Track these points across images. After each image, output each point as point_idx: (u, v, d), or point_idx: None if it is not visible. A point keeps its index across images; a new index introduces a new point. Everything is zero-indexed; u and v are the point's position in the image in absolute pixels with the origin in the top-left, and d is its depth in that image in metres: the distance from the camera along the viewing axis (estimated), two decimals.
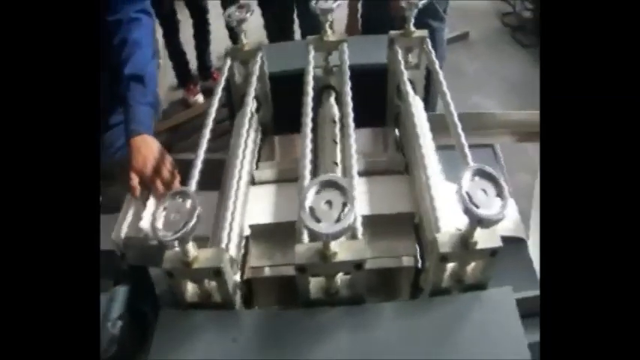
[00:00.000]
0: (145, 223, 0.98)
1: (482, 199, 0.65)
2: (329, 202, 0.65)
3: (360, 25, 2.33)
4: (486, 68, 3.46)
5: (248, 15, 1.17)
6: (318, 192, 0.66)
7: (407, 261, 0.86)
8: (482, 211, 0.63)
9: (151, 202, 1.05)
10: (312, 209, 0.64)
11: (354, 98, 1.00)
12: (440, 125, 0.97)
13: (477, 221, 0.64)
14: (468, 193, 0.65)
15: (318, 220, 0.63)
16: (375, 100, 1.26)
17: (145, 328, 0.91)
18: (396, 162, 1.01)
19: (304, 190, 0.66)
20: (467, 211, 0.64)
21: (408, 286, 0.86)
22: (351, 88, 1.02)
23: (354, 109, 0.98)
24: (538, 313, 0.88)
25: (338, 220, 0.63)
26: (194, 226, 0.66)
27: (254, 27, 2.73)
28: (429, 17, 2.05)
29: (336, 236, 0.63)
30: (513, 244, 0.98)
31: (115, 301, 0.89)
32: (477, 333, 0.67)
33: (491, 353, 0.65)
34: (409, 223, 0.88)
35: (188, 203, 0.68)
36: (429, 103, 1.27)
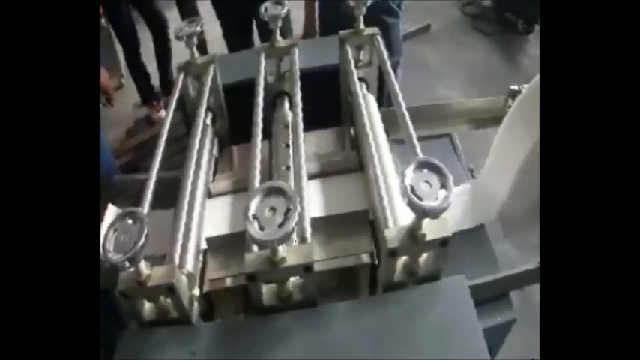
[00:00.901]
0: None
1: (425, 191, 0.65)
2: (273, 209, 0.65)
3: (318, 27, 2.34)
4: (449, 59, 3.50)
5: (198, 29, 1.16)
6: (262, 200, 0.66)
7: (365, 258, 0.86)
8: (426, 203, 0.64)
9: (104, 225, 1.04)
10: (255, 217, 0.64)
11: (310, 101, 1.00)
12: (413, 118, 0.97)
13: (422, 213, 0.65)
14: (411, 186, 0.65)
15: (262, 228, 0.63)
16: (332, 101, 1.26)
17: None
18: (351, 161, 1.01)
19: (248, 199, 0.66)
20: (410, 204, 0.64)
21: (367, 284, 0.86)
22: (308, 91, 1.03)
23: (311, 112, 0.99)
24: (499, 295, 0.90)
25: (281, 225, 0.63)
26: (143, 245, 0.66)
27: (215, 38, 2.74)
28: (383, 14, 2.06)
29: (280, 241, 0.63)
30: (471, 230, 0.98)
31: None
32: (430, 323, 0.67)
33: (445, 342, 0.66)
34: (365, 221, 0.89)
35: (137, 223, 0.68)
36: (383, 99, 1.27)
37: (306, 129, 1.23)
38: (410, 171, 0.66)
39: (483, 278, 0.85)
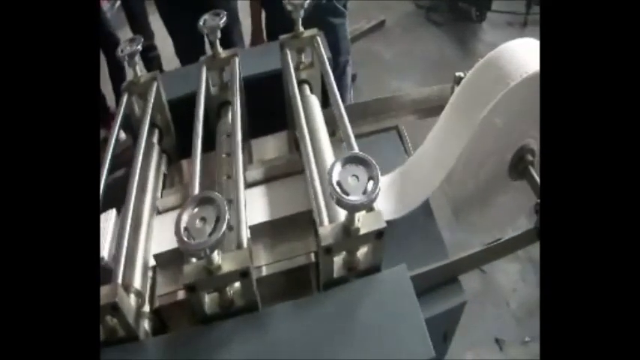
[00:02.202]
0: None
1: (352, 185, 0.66)
2: (204, 219, 0.66)
3: (265, 34, 2.35)
4: (404, 52, 3.53)
5: (139, 47, 1.16)
6: (193, 211, 0.67)
7: (314, 258, 0.87)
8: (352, 198, 0.65)
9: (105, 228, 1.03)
10: (186, 229, 0.65)
11: (256, 107, 1.00)
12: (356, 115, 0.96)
13: (351, 208, 0.66)
14: (338, 183, 0.66)
15: (193, 238, 0.64)
16: (278, 106, 1.27)
17: None
18: (294, 163, 1.02)
19: (179, 212, 0.67)
20: (338, 202, 0.65)
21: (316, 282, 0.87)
22: (256, 98, 1.03)
23: (258, 118, 0.99)
24: (450, 279, 0.91)
25: (211, 233, 0.63)
26: None
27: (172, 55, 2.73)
28: (329, 15, 2.08)
29: (212, 249, 0.64)
30: (418, 218, 1.00)
31: None
32: (371, 316, 0.68)
33: (387, 333, 0.67)
34: (308, 221, 0.89)
35: None
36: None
37: (255, 135, 1.25)
38: (337, 168, 0.67)
39: (429, 266, 0.86)
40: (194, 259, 0.71)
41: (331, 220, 0.77)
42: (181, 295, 0.85)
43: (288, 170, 1.01)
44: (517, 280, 2.29)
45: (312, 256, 0.87)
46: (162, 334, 0.81)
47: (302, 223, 0.90)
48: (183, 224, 0.66)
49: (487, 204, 1.09)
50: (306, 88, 1.22)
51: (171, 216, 0.98)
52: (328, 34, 1.22)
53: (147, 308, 0.81)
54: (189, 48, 2.62)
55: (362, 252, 0.74)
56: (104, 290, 0.70)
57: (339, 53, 2.14)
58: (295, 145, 1.15)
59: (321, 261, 0.71)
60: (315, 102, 1.15)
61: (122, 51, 1.16)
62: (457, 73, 1.25)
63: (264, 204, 0.93)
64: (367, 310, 0.69)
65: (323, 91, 1.22)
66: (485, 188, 1.05)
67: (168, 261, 0.88)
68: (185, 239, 0.64)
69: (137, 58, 1.18)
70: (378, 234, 0.70)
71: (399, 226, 0.92)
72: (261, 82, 1.22)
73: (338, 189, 0.65)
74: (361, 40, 3.62)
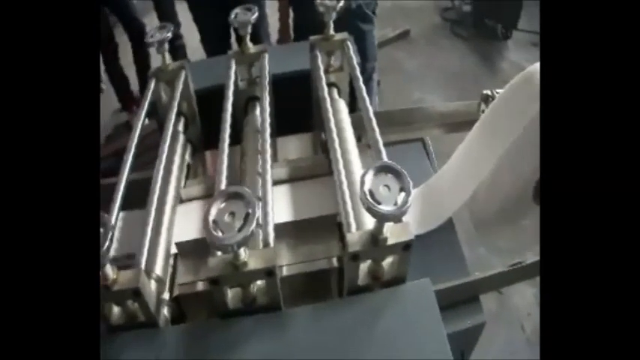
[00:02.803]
0: None
1: (384, 195, 0.66)
2: (233, 214, 0.66)
3: (292, 32, 2.36)
4: (427, 63, 3.53)
5: (169, 35, 1.17)
6: (223, 205, 0.67)
7: (335, 262, 0.87)
8: (384, 208, 0.64)
9: None
10: (215, 222, 0.65)
11: (282, 106, 1.00)
12: (381, 123, 0.97)
13: (381, 217, 0.66)
14: (370, 191, 0.66)
15: (222, 232, 0.64)
16: (305, 106, 1.27)
17: None
18: (321, 165, 1.02)
19: (209, 204, 0.67)
20: (369, 209, 0.65)
21: (337, 287, 0.87)
22: (281, 96, 1.03)
23: (283, 117, 0.99)
24: (470, 298, 0.91)
25: (240, 229, 0.63)
26: (108, 249, 0.66)
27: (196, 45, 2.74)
28: (358, 20, 2.09)
29: (240, 245, 0.64)
30: (441, 232, 1.00)
31: None
32: (394, 326, 0.68)
33: (408, 345, 0.67)
34: (333, 225, 0.89)
35: (103, 227, 0.68)
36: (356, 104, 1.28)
37: (280, 134, 1.25)
38: (369, 176, 0.67)
39: (452, 282, 0.85)
40: (219, 253, 0.71)
41: (358, 226, 0.77)
42: (201, 286, 0.85)
43: (314, 172, 1.01)
44: (533, 304, 2.26)
45: (334, 260, 0.86)
46: (179, 322, 0.81)
47: (325, 226, 0.89)
48: (211, 217, 0.66)
49: (510, 225, 1.09)
50: (334, 91, 1.22)
51: (194, 206, 0.99)
52: (356, 40, 1.22)
53: (166, 295, 0.81)
54: (216, 40, 2.64)
55: (387, 262, 0.74)
56: (127, 275, 0.71)
57: (366, 59, 2.15)
58: (321, 147, 1.15)
59: (347, 267, 0.71)
60: (343, 106, 1.15)
61: (152, 37, 1.16)
62: (484, 91, 1.25)
63: (288, 203, 0.93)
64: (390, 320, 0.69)
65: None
66: (509, 209, 1.04)
67: (190, 250, 0.89)
68: (214, 232, 0.64)
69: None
70: (406, 246, 0.70)
71: (420, 239, 0.91)
72: (287, 80, 1.22)
73: (369, 197, 0.65)
74: (385, 48, 3.62)
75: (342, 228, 0.85)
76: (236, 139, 1.10)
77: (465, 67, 3.43)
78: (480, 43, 3.72)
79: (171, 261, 0.89)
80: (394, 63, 3.36)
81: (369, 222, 0.79)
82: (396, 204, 0.65)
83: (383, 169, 0.68)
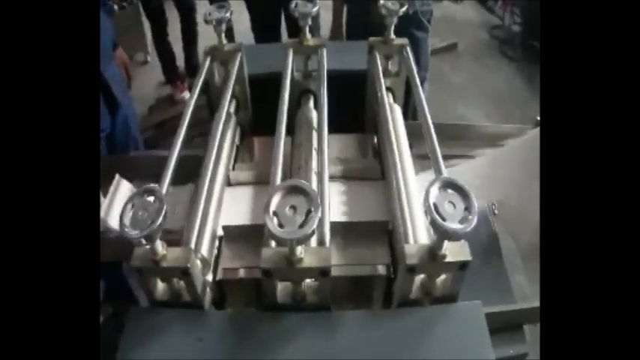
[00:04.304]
0: (112, 220, 0.96)
1: (449, 212, 0.64)
2: (293, 208, 0.65)
3: (345, 30, 2.34)
4: (472, 79, 3.49)
5: (227, 15, 1.16)
6: (284, 197, 0.66)
7: (381, 270, 0.85)
8: (449, 225, 0.63)
9: (120, 198, 1.03)
10: (276, 214, 0.64)
11: (333, 103, 0.99)
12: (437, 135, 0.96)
13: (445, 234, 0.64)
14: (434, 205, 0.64)
15: (281, 225, 0.63)
16: (355, 106, 1.26)
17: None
18: (373, 169, 1.01)
19: (270, 194, 0.66)
20: (433, 224, 0.63)
21: (381, 295, 0.85)
22: (331, 93, 1.02)
23: (334, 115, 0.98)
24: (513, 326, 0.89)
25: (302, 225, 0.62)
26: (161, 225, 0.66)
27: (245, 29, 2.74)
28: (413, 27, 2.06)
29: (300, 242, 0.63)
30: (489, 256, 0.98)
31: None
32: (442, 346, 0.67)
33: None
34: (384, 231, 0.88)
35: (157, 202, 0.68)
36: (408, 111, 1.27)
37: (328, 131, 1.24)
38: (434, 189, 0.66)
39: (498, 307, 0.84)
40: (273, 244, 0.70)
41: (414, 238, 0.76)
42: (243, 273, 0.84)
43: (366, 175, 1.00)
44: None
45: (380, 268, 0.85)
46: (219, 306, 0.81)
47: (374, 231, 0.88)
48: (272, 207, 0.65)
49: None
50: (390, 95, 1.21)
51: (243, 191, 0.98)
52: (411, 47, 1.20)
53: (209, 277, 0.81)
54: (265, 26, 2.64)
55: (441, 279, 0.73)
56: (175, 253, 0.70)
57: (419, 68, 2.12)
58: (372, 150, 1.14)
59: (401, 278, 0.70)
60: (398, 112, 1.14)
61: (210, 15, 1.16)
62: (538, 118, 1.23)
63: (339, 203, 0.92)
64: (439, 337, 0.68)
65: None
66: None
67: (236, 236, 0.88)
68: (275, 224, 0.63)
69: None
70: (463, 265, 0.69)
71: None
72: (338, 78, 1.21)
73: (435, 212, 0.63)
74: (431, 58, 3.58)
75: (395, 236, 0.84)
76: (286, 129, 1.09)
77: (511, 89, 3.38)
78: (527, 66, 3.66)
79: (217, 243, 0.88)
80: (439, 75, 3.32)
81: (423, 235, 0.78)
82: (461, 222, 0.63)
83: (448, 185, 0.67)
